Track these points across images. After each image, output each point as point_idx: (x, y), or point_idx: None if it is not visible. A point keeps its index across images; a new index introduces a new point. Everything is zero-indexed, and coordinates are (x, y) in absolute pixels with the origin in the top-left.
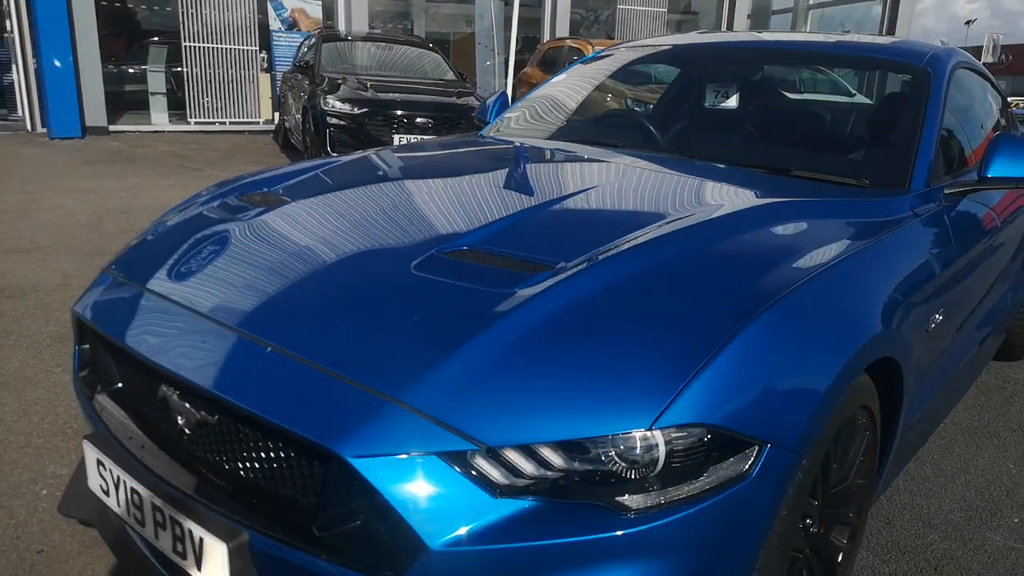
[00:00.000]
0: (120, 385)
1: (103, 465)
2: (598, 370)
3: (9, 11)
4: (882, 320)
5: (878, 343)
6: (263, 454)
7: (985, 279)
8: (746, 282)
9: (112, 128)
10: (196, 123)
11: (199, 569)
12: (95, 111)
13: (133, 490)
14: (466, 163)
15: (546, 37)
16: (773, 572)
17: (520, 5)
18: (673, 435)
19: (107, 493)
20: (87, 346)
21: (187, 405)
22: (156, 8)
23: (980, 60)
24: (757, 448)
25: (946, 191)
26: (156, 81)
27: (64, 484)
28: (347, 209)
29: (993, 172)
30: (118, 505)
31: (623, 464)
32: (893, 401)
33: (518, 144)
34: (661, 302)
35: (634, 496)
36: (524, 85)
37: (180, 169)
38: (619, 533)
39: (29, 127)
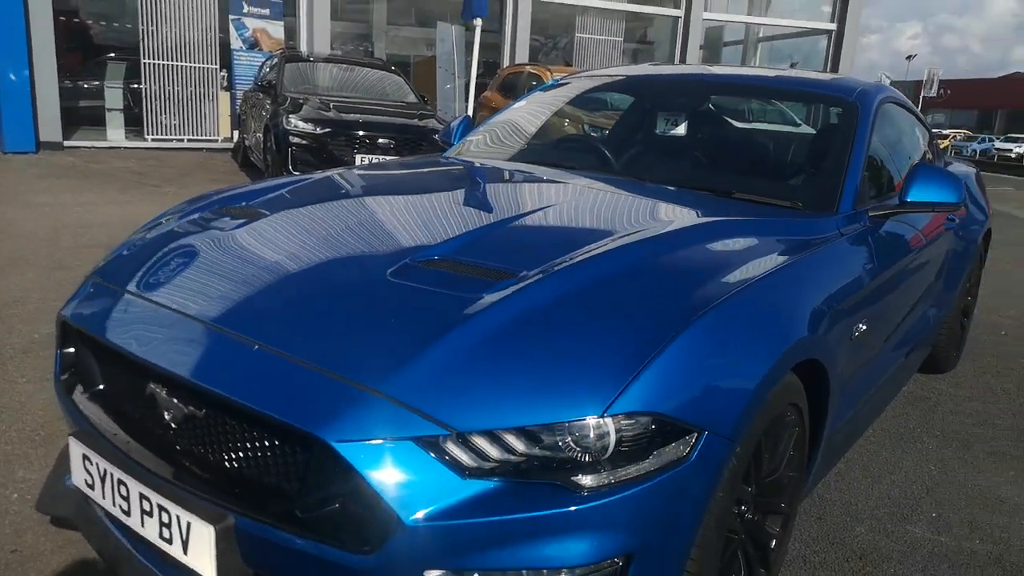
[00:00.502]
0: (102, 387)
1: (89, 460)
2: (556, 365)
3: None
4: (808, 326)
5: (804, 346)
6: (249, 444)
7: (907, 295)
8: (688, 290)
9: (67, 143)
10: (153, 140)
11: (185, 553)
12: (50, 126)
13: (120, 481)
14: (434, 182)
15: (506, 62)
16: (711, 549)
17: (481, 31)
18: (622, 422)
19: (92, 487)
20: (70, 350)
21: (175, 400)
22: (115, 24)
23: (921, 93)
24: (696, 435)
25: (870, 213)
26: (113, 97)
27: (36, 487)
28: (325, 221)
29: (911, 197)
30: (103, 497)
31: (578, 448)
32: (821, 401)
33: (481, 165)
34: (612, 306)
35: (587, 476)
36: (484, 108)
37: (137, 185)
38: (573, 509)
39: None
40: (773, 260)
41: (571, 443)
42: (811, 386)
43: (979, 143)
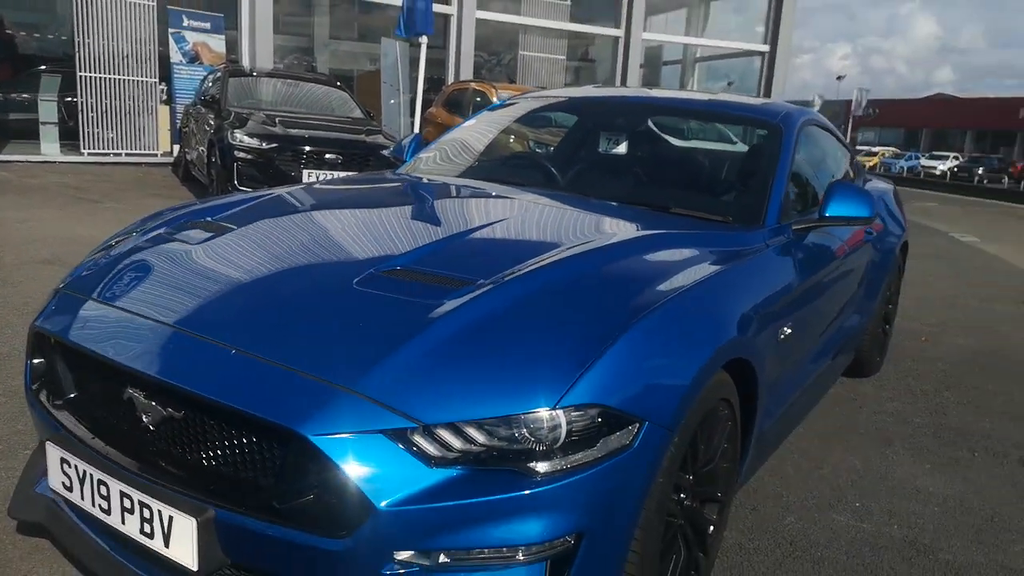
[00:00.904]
0: (74, 395)
1: (67, 463)
2: (512, 363)
3: None
4: (737, 328)
5: (733, 346)
6: (227, 442)
7: (830, 302)
8: (629, 296)
9: None
10: (90, 154)
11: (167, 546)
12: None
13: (100, 481)
14: (392, 198)
15: (451, 78)
16: (652, 530)
17: (426, 47)
18: (572, 413)
19: (70, 488)
20: (40, 360)
21: (153, 404)
22: (49, 36)
23: (851, 112)
24: (638, 425)
25: (794, 227)
26: (47, 110)
27: (3, 496)
28: (292, 235)
29: (830, 212)
30: (82, 498)
31: (532, 438)
32: (751, 398)
33: (434, 181)
34: (561, 311)
35: (541, 463)
36: (429, 124)
37: (76, 200)
38: (528, 492)
39: None
40: (706, 269)
41: (526, 433)
42: (741, 384)
43: (906, 160)
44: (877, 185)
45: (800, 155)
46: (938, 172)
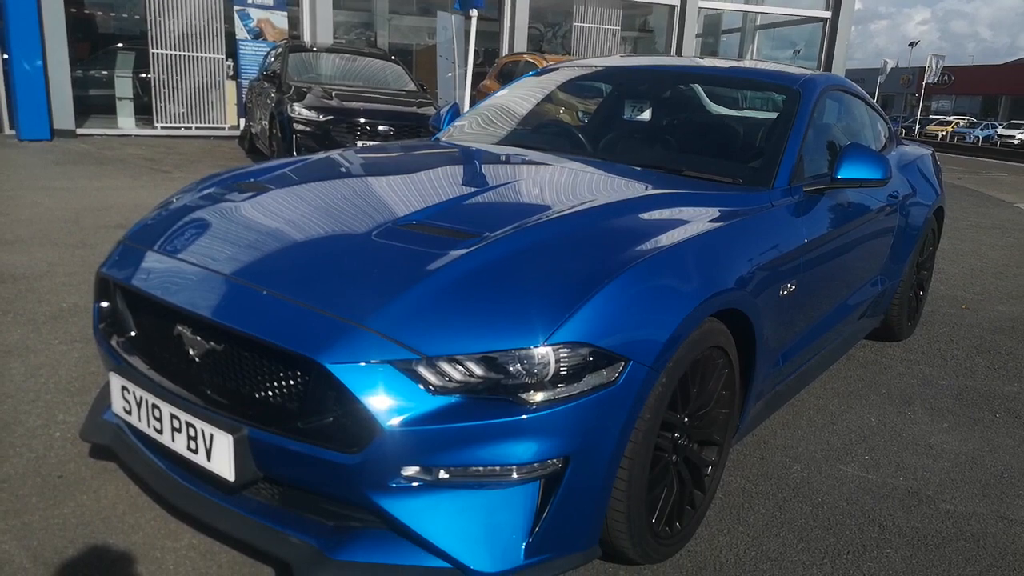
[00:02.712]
0: (133, 333)
1: (127, 390)
2: (507, 304)
3: None
4: (729, 279)
5: (724, 296)
6: (260, 371)
7: (846, 263)
8: (623, 246)
9: (80, 131)
10: (163, 128)
11: (209, 459)
12: (63, 114)
13: (154, 405)
14: (419, 161)
15: (505, 51)
16: (639, 460)
17: (479, 19)
18: (561, 350)
19: (129, 412)
20: (105, 304)
21: (198, 338)
22: (124, 15)
23: (924, 80)
24: (623, 363)
25: (805, 189)
26: (123, 86)
27: (74, 427)
28: (322, 192)
29: (841, 174)
30: (140, 420)
31: (523, 371)
32: (751, 350)
33: (464, 146)
34: (557, 259)
35: (531, 394)
36: (482, 97)
37: (149, 171)
38: (518, 418)
39: None
40: (703, 225)
41: (518, 367)
42: (742, 336)
43: (981, 129)
44: (913, 150)
45: (825, 120)
46: (1016, 142)
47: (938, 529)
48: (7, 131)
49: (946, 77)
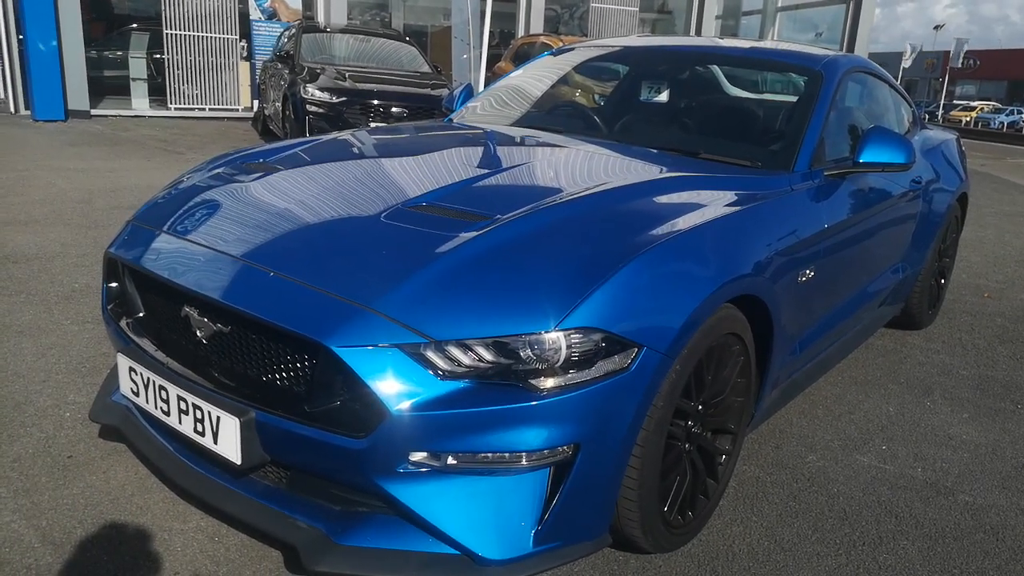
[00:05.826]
0: (142, 314)
1: (135, 371)
2: (517, 288)
3: None
4: (746, 265)
5: (740, 283)
6: (266, 354)
7: (867, 249)
8: (638, 230)
9: (94, 112)
10: (176, 109)
11: (215, 442)
12: (78, 95)
13: (161, 387)
14: (431, 142)
15: (521, 32)
16: (652, 448)
17: (495, 0)
18: (572, 336)
19: (137, 393)
20: (114, 284)
21: (205, 320)
22: None
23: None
24: (636, 350)
25: (826, 173)
26: (137, 67)
27: (85, 408)
28: (332, 173)
29: (863, 158)
30: (147, 402)
31: (534, 356)
32: (768, 337)
33: (476, 128)
34: (569, 243)
35: (541, 379)
36: (497, 79)
37: (163, 152)
38: (527, 405)
39: (12, 109)
40: (720, 209)
41: (529, 352)
42: (756, 322)
43: (1007, 115)
44: (938, 135)
45: (847, 103)
46: None
47: (956, 521)
48: (23, 111)
49: (971, 61)
